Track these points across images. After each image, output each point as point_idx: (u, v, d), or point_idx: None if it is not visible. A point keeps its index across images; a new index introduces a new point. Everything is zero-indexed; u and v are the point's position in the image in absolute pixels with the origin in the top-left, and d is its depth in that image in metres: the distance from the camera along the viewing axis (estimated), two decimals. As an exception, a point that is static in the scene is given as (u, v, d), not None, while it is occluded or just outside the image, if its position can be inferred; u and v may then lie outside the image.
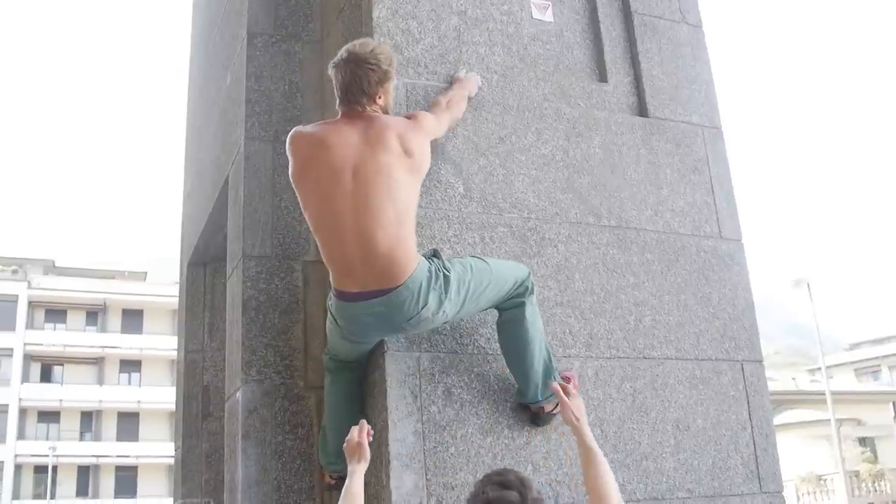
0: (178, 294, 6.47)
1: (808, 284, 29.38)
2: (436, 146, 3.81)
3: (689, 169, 4.43)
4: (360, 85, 3.33)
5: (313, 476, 3.88)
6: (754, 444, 4.03)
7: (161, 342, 49.24)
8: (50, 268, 55.71)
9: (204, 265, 5.96)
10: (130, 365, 50.80)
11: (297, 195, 3.43)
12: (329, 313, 3.41)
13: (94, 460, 48.07)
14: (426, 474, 3.32)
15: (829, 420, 30.72)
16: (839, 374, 65.47)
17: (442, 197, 3.76)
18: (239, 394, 3.95)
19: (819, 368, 36.18)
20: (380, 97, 3.40)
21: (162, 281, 53.68)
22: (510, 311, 3.45)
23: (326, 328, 3.56)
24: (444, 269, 3.25)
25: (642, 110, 4.44)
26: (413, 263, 3.17)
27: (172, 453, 6.00)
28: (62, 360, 49.75)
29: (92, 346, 49.81)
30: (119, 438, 48.94)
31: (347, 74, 3.34)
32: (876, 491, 34.35)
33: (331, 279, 3.31)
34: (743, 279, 4.35)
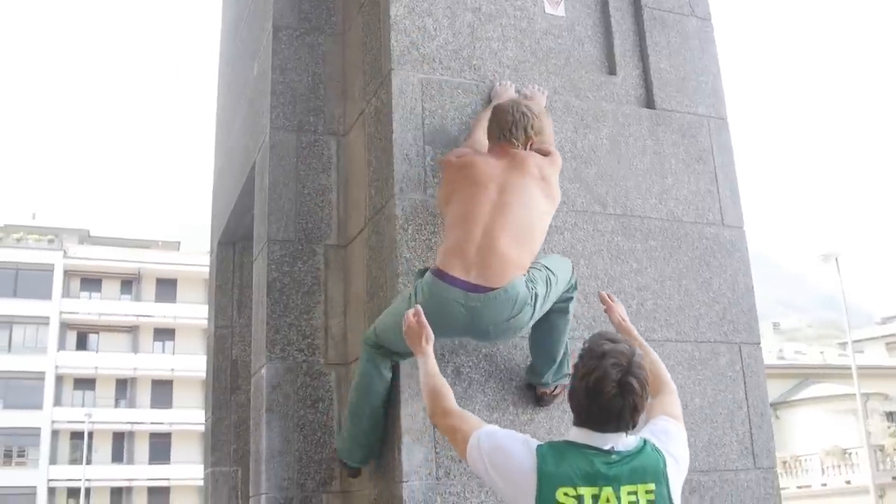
0: (209, 264, 6.74)
1: (837, 259, 29.30)
2: (449, 138, 4.04)
3: (694, 158, 4.61)
4: (525, 130, 3.65)
5: (332, 448, 4.15)
6: (749, 423, 4.25)
7: (194, 311, 49.88)
8: (85, 237, 56.59)
9: (233, 244, 6.23)
10: (164, 333, 51.58)
11: (444, 199, 3.66)
12: (413, 297, 3.40)
13: (128, 427, 49.01)
14: (435, 448, 3.57)
15: (855, 394, 30.75)
16: (870, 349, 65.07)
17: (454, 187, 3.97)
18: (263, 370, 4.22)
19: (847, 342, 36.13)
20: (533, 142, 3.68)
21: (195, 250, 54.28)
22: (559, 305, 3.63)
23: (396, 313, 3.48)
24: (535, 287, 3.42)
25: (649, 102, 4.62)
26: (518, 273, 3.37)
27: (204, 421, 6.30)
28: (97, 329, 50.61)
29: (126, 315, 50.61)
30: (153, 405, 49.81)
31: (517, 115, 3.65)
32: (905, 466, 34.35)
33: (437, 261, 3.45)
34: (743, 265, 4.55)
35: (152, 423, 49.21)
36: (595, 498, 2.43)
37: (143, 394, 50.28)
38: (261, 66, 5.06)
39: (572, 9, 4.63)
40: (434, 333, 3.15)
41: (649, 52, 4.71)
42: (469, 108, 4.15)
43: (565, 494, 2.42)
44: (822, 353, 46.69)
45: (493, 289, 3.29)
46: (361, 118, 4.42)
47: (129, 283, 52.17)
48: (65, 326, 49.87)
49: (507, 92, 4.16)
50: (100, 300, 51.06)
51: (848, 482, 32.19)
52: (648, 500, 2.47)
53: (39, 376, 48.11)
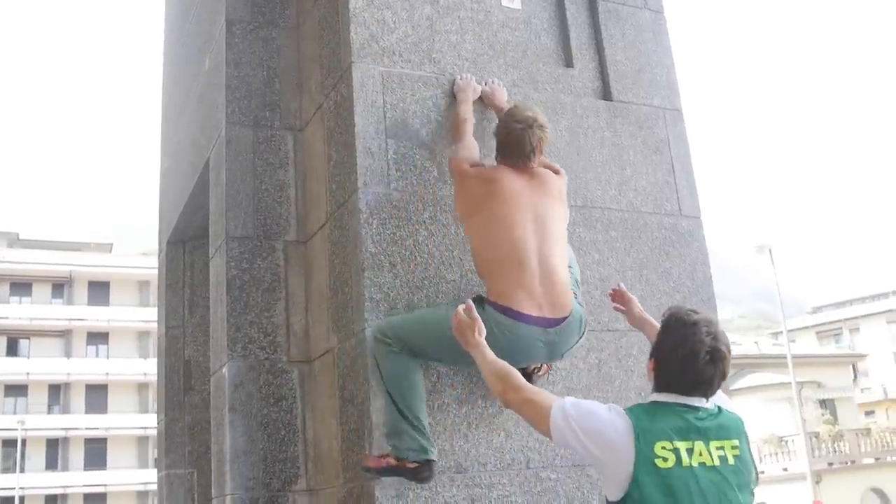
0: (144, 265, 6.63)
1: (770, 250, 29.85)
2: (411, 131, 4.01)
3: (651, 150, 4.65)
4: (540, 147, 3.67)
5: (297, 446, 4.10)
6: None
7: (128, 314, 49.19)
8: (14, 240, 55.29)
9: (183, 243, 6.12)
10: (98, 337, 50.64)
11: (467, 211, 3.65)
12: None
13: (62, 433, 48.02)
14: (406, 442, 3.54)
15: (790, 383, 31.40)
16: (802, 338, 66.60)
17: (417, 180, 3.96)
18: (225, 369, 4.16)
19: (782, 332, 36.89)
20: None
21: (129, 252, 53.44)
22: None
23: (427, 322, 3.51)
24: (579, 296, 3.63)
25: (606, 94, 4.65)
26: (570, 293, 3.51)
27: (141, 425, 6.18)
28: (28, 334, 49.49)
29: (58, 319, 49.57)
30: (88, 411, 48.87)
31: (535, 138, 3.63)
32: (835, 451, 35.19)
33: (495, 293, 3.40)
34: (701, 254, 4.60)
35: (87, 428, 48.29)
36: (689, 451, 2.51)
37: (77, 399, 49.30)
38: (213, 61, 4.98)
39: (528, 1, 4.63)
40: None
41: (605, 44, 4.74)
42: (430, 100, 4.13)
43: (663, 448, 2.49)
44: (756, 343, 47.57)
45: (564, 318, 3.44)
46: (319, 112, 4.37)
47: (60, 287, 51.08)
48: (-5, 332, 48.67)
49: (470, 85, 4.14)
50: (30, 304, 49.92)
51: (785, 469, 32.87)
52: (734, 455, 2.58)
53: (-31, 384, 46.93)
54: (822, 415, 38.07)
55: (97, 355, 50.49)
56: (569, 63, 4.62)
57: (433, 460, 3.40)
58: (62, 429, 48.06)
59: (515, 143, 3.64)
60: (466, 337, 3.02)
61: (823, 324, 74.92)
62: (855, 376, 46.72)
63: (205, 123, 5.11)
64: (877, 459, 36.74)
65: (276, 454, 4.08)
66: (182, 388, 5.91)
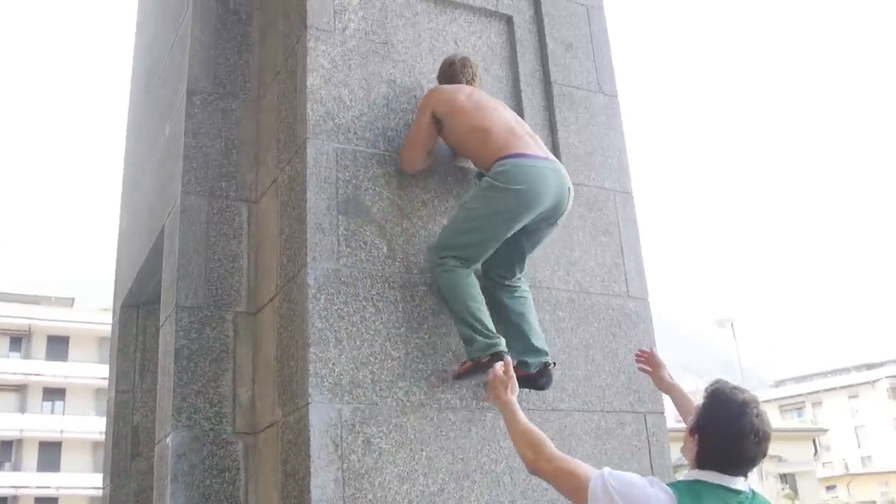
0: (105, 321, 6.60)
1: (732, 324, 30.15)
2: (362, 208, 4.07)
3: (601, 231, 4.74)
4: (478, 74, 4.46)
5: (239, 519, 4.07)
6: (654, 492, 4.32)
7: (87, 370, 48.40)
8: (-27, 292, 54.49)
9: (137, 307, 6.11)
10: (54, 393, 49.76)
11: (452, 123, 4.14)
12: (492, 188, 3.90)
13: (12, 491, 46.87)
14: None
15: (750, 457, 31.38)
16: (763, 411, 66.68)
17: (367, 256, 4.01)
18: (169, 439, 4.13)
19: (742, 406, 36.97)
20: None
21: (90, 307, 52.83)
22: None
23: (472, 216, 3.94)
24: None
25: (558, 175, 4.73)
26: None
27: (95, 485, 6.10)
28: (-17, 387, 48.59)
29: (14, 373, 48.70)
30: (40, 468, 47.80)
31: (472, 67, 4.42)
32: (795, 527, 35.15)
33: (496, 152, 3.98)
34: (648, 335, 4.67)
35: (38, 487, 47.18)
36: None
37: (30, 456, 48.24)
38: (173, 129, 5.03)
39: (485, 82, 4.73)
40: (519, 220, 3.87)
41: (558, 126, 4.85)
42: (382, 178, 4.20)
43: None
44: (717, 415, 47.54)
45: (557, 161, 4.08)
46: (274, 186, 4.42)
47: (18, 340, 50.30)
48: (-52, 385, 47.75)
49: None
50: (-13, 357, 49.08)
51: (743, 544, 32.73)
52: None
53: (-81, 438, 45.86)
54: (783, 489, 38.07)
55: (53, 412, 49.56)
56: (522, 144, 4.71)
57: (503, 350, 3.76)
58: (12, 486, 46.93)
59: (458, 72, 4.34)
60: (498, 392, 3.06)
61: (786, 397, 75.37)
62: (816, 451, 46.82)
63: (162, 190, 5.15)
64: (836, 536, 36.67)
65: (217, 527, 4.04)
66: (129, 454, 5.85)
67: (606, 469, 2.64)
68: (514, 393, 3.04)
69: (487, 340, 3.80)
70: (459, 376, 3.94)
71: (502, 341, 3.82)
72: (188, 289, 4.38)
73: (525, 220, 3.90)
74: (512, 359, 3.69)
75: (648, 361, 4.01)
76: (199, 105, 4.78)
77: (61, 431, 48.23)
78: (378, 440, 3.73)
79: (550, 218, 4.02)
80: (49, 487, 47.17)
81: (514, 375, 3.11)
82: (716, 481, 2.58)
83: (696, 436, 2.66)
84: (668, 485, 2.59)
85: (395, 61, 4.49)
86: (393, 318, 3.97)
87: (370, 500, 3.62)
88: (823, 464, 59.10)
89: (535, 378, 4.00)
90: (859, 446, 71.65)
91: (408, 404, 3.86)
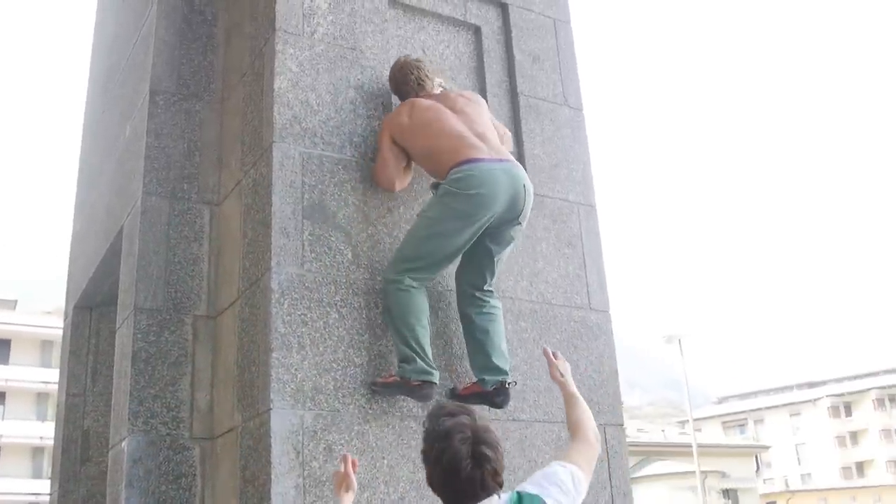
0: (48, 324, 6.48)
1: (679, 340, 30.44)
2: (328, 214, 4.04)
3: (564, 243, 4.75)
4: (427, 76, 4.39)
5: (194, 526, 4.01)
6: (613, 502, 4.34)
7: (28, 374, 47.44)
8: (-87, 292, 53.22)
9: (90, 309, 6.00)
10: (-7, 396, 48.72)
11: (416, 126, 4.14)
12: (447, 194, 3.91)
13: (-52, 495, 45.82)
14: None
15: (694, 472, 31.74)
16: (708, 427, 67.56)
17: (331, 262, 3.98)
18: (124, 443, 4.06)
19: (688, 421, 37.40)
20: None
21: (33, 310, 51.87)
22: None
23: (430, 223, 3.95)
24: None
25: (523, 186, 4.74)
26: None
27: (34, 491, 5.97)
28: (-80, 390, 47.41)
29: (-47, 376, 47.63)
30: (-23, 473, 46.75)
31: (418, 71, 4.36)
32: (737, 542, 35.57)
33: (448, 163, 3.97)
34: (609, 348, 4.68)
35: (-26, 491, 46.18)
36: None
37: (-33, 460, 47.21)
38: (134, 129, 4.96)
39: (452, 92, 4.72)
40: (476, 222, 3.86)
41: (524, 138, 4.86)
42: (348, 183, 4.17)
43: None
44: (663, 431, 48.05)
45: (509, 160, 4.03)
46: (238, 188, 4.38)
47: (-42, 342, 49.21)
48: None
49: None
50: (-75, 360, 47.93)
51: (686, 558, 33.03)
52: None
53: None
54: (725, 504, 38.49)
55: (-9, 415, 48.51)
56: (488, 154, 4.71)
57: (435, 382, 3.82)
58: (-52, 491, 45.87)
59: (405, 81, 4.33)
60: (336, 487, 3.05)
61: (729, 414, 76.34)
62: (758, 467, 47.44)
63: (121, 191, 5.07)
64: (775, 551, 37.19)
65: (172, 533, 3.97)
66: (79, 459, 5.73)
67: None
68: (349, 490, 3.03)
69: (426, 366, 3.81)
70: (379, 386, 3.86)
71: (436, 374, 3.85)
72: (147, 291, 4.32)
73: (482, 222, 3.89)
74: (473, 375, 3.98)
75: (547, 358, 3.86)
76: (161, 105, 4.72)
77: (0, 436, 47.22)
78: (340, 447, 3.69)
79: (510, 217, 3.98)
80: (-14, 492, 46.15)
81: (353, 475, 3.05)
82: None
83: (427, 477, 2.59)
84: None
85: (363, 67, 4.47)
86: (357, 324, 3.94)
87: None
88: (765, 480, 59.89)
89: (490, 396, 3.98)
90: (800, 463, 72.74)
91: (370, 412, 3.83)
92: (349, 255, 4.04)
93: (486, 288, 4.09)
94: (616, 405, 4.59)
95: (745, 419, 75.31)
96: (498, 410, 4.09)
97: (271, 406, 3.61)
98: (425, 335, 3.87)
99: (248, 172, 4.28)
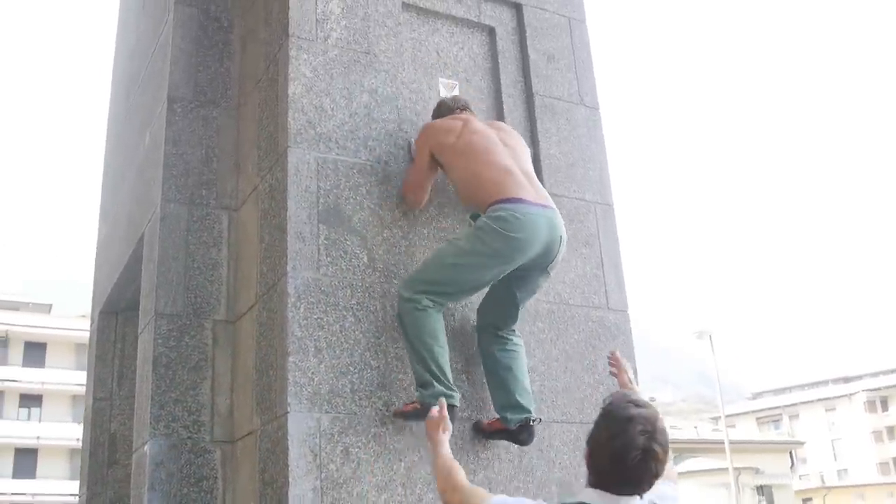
0: (83, 328, 6.57)
1: (711, 336, 30.28)
2: (343, 218, 4.07)
3: (581, 243, 4.75)
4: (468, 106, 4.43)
5: (215, 528, 4.05)
6: (632, 503, 4.33)
7: (64, 377, 48.00)
8: (-50, 297, 54.02)
9: (116, 314, 6.08)
10: (30, 399, 49.31)
11: (454, 165, 4.10)
12: (485, 229, 3.80)
13: (-12, 497, 46.46)
14: (322, 519, 3.53)
15: (727, 468, 31.55)
16: (741, 423, 67.04)
17: (347, 266, 4.01)
18: (146, 447, 4.11)
19: (720, 417, 37.15)
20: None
21: (67, 314, 52.45)
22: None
23: (460, 252, 3.86)
24: None
25: (539, 187, 4.74)
26: None
27: (71, 492, 6.07)
28: (-42, 394, 48.12)
29: (-10, 380, 48.30)
30: (16, 475, 47.34)
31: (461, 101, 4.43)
32: (772, 539, 35.32)
33: (494, 196, 3.87)
34: (627, 348, 4.67)
35: (13, 493, 46.73)
36: None
37: (5, 463, 47.75)
38: (153, 137, 5.02)
39: (466, 93, 4.75)
40: (508, 265, 3.80)
41: (539, 138, 4.86)
42: (363, 188, 4.20)
43: None
44: (696, 427, 47.76)
45: (552, 208, 3.95)
46: (255, 194, 4.42)
47: (-6, 347, 49.87)
48: (-77, 391, 47.28)
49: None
50: (-38, 364, 48.64)
51: (720, 555, 32.83)
52: None
53: None
54: (759, 501, 38.20)
55: (29, 418, 49.13)
56: (503, 155, 4.72)
57: (455, 405, 3.76)
58: (-13, 493, 46.52)
59: (450, 106, 4.34)
60: (431, 432, 3.15)
61: (763, 409, 75.71)
62: (793, 463, 47.04)
63: (141, 198, 5.13)
64: (811, 547, 36.88)
65: (194, 536, 4.02)
66: (106, 462, 5.81)
67: (497, 497, 2.75)
68: (445, 432, 3.13)
69: (445, 390, 3.72)
70: (402, 415, 3.84)
71: (457, 395, 3.81)
72: (167, 296, 4.37)
73: (512, 266, 3.82)
74: (495, 412, 3.97)
75: (615, 363, 3.94)
76: (179, 113, 4.77)
77: (38, 438, 47.80)
78: (356, 450, 3.73)
79: (541, 265, 3.93)
80: (24, 494, 46.72)
81: (448, 416, 3.19)
82: (600, 501, 2.50)
83: (587, 449, 2.58)
84: None
85: (377, 71, 4.49)
86: (373, 327, 3.97)
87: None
88: (800, 476, 59.34)
89: (515, 434, 3.97)
90: (835, 459, 72.02)
91: (387, 414, 3.85)
92: (365, 259, 4.07)
93: (508, 329, 4.07)
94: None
95: (780, 415, 74.65)
96: None
97: (288, 409, 3.65)
98: (444, 354, 3.81)
99: (264, 178, 4.32)
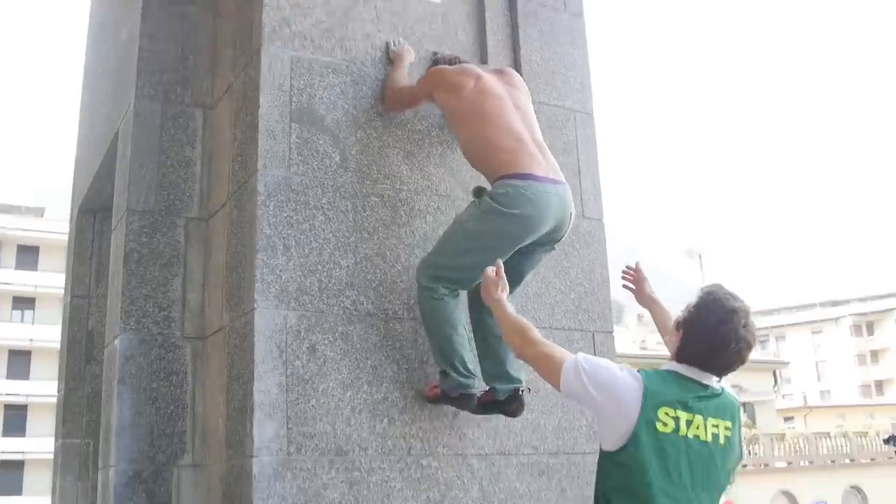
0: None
1: (700, 255, 30.40)
2: (315, 117, 4.04)
3: (559, 150, 4.71)
4: None
5: (185, 421, 4.12)
6: (597, 408, 4.39)
7: (57, 280, 48.03)
8: (-58, 198, 53.82)
9: (94, 212, 6.08)
10: (24, 302, 49.64)
11: (464, 122, 3.95)
12: (492, 211, 3.65)
13: (-19, 398, 47.08)
14: (287, 423, 3.59)
15: (711, 386, 31.98)
16: (728, 343, 67.66)
17: (318, 165, 3.99)
18: (117, 341, 4.15)
19: (706, 337, 37.53)
20: None
21: (61, 217, 52.38)
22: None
23: (469, 237, 3.73)
24: None
25: (518, 93, 4.70)
26: None
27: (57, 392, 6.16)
28: (-49, 295, 48.38)
29: (-17, 282, 48.53)
30: (9, 376, 47.94)
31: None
32: (750, 454, 36.02)
33: (504, 168, 3.73)
34: (601, 256, 4.69)
35: (7, 394, 47.38)
36: (688, 423, 2.66)
37: (-1, 364, 48.36)
38: (129, 32, 4.94)
39: (448, -4, 4.67)
40: (517, 242, 3.67)
41: (521, 43, 4.79)
42: (338, 87, 4.16)
43: (666, 413, 2.64)
44: (682, 345, 48.17)
45: (562, 183, 3.80)
46: (230, 92, 4.37)
47: (-13, 249, 49.97)
48: (-84, 291, 47.50)
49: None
50: (-45, 266, 48.80)
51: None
52: (726, 436, 2.75)
53: None
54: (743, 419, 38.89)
55: (22, 320, 49.50)
56: (483, 60, 4.67)
57: (474, 393, 3.81)
58: (-19, 394, 47.11)
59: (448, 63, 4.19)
60: (490, 292, 3.18)
61: (750, 329, 76.39)
62: (776, 382, 47.75)
63: (117, 95, 5.07)
64: (789, 464, 37.70)
65: (164, 428, 4.09)
66: (83, 358, 5.88)
67: (581, 354, 2.82)
68: (504, 291, 3.17)
69: (462, 379, 3.76)
70: (431, 400, 3.93)
71: (475, 382, 3.80)
72: (139, 193, 4.35)
73: (522, 244, 3.74)
74: (484, 383, 3.89)
75: (634, 278, 3.99)
76: (155, 8, 4.69)
77: (31, 340, 48.26)
78: (323, 347, 3.76)
79: (548, 240, 3.85)
80: (18, 395, 47.36)
81: (504, 276, 3.21)
82: (688, 374, 2.73)
83: (681, 331, 2.78)
84: (640, 370, 2.72)
85: (356, -31, 4.40)
86: (343, 227, 3.97)
87: (313, 406, 3.67)
88: (783, 396, 60.35)
89: (503, 405, 3.89)
90: (819, 380, 73.17)
91: (354, 313, 3.88)
92: (337, 159, 4.05)
93: None
94: (606, 313, 4.62)
95: (767, 335, 75.48)
96: None
97: (255, 306, 3.67)
98: (463, 342, 3.79)
99: (238, 76, 4.27)
